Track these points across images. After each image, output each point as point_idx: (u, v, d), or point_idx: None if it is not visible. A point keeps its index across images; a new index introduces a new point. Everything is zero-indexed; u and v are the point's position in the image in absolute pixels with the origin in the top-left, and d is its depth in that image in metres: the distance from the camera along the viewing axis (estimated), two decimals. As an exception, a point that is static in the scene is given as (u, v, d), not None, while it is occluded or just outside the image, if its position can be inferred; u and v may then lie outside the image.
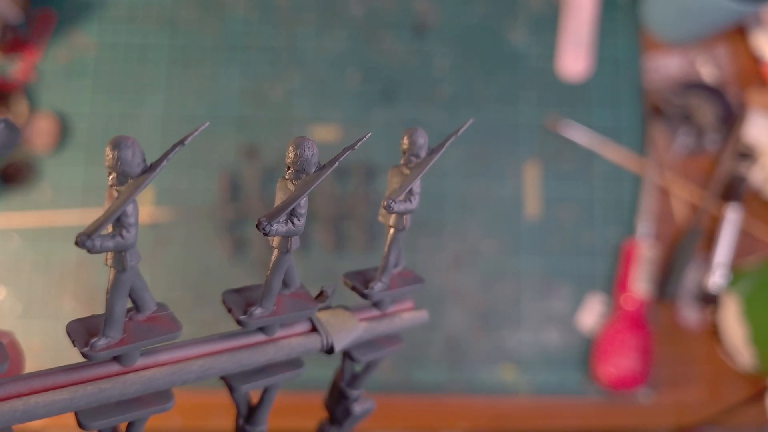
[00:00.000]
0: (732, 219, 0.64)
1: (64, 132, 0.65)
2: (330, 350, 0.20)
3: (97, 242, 0.15)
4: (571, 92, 0.67)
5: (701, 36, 0.68)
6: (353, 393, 0.23)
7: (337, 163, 0.18)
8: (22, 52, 0.66)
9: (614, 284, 0.64)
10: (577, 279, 0.64)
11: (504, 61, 0.68)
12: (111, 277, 0.16)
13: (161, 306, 0.18)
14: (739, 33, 0.69)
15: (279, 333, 0.20)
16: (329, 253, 0.63)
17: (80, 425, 0.16)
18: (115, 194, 0.15)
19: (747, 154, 0.65)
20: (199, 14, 0.68)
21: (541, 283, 0.64)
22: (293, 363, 0.20)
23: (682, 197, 0.66)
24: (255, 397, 0.23)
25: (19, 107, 0.64)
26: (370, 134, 0.20)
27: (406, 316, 0.22)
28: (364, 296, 0.21)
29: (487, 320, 0.63)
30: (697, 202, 0.65)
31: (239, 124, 0.66)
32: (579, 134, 0.66)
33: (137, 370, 0.17)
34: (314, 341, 0.20)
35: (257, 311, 0.19)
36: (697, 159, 0.67)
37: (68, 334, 0.16)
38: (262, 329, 0.19)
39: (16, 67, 0.66)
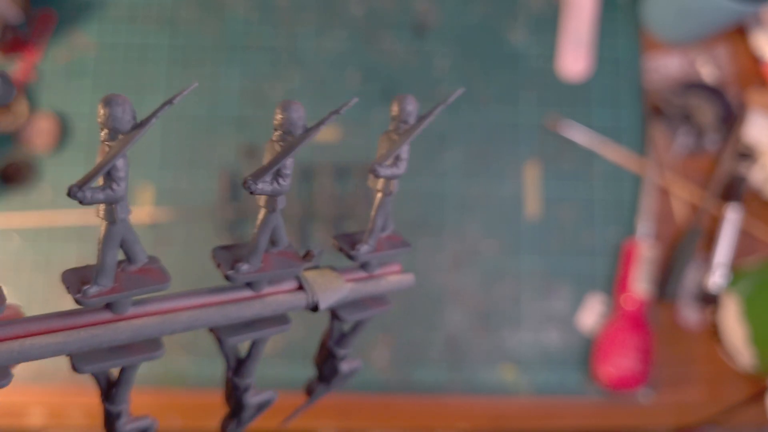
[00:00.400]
0: (732, 219, 0.64)
1: (64, 132, 0.65)
2: (315, 308, 0.21)
3: (88, 194, 0.15)
4: (571, 92, 0.67)
5: (701, 36, 0.68)
6: (341, 352, 0.24)
7: (323, 125, 0.18)
8: (22, 52, 0.66)
9: (614, 284, 0.64)
10: (577, 279, 0.64)
11: (504, 61, 0.68)
12: (102, 229, 0.17)
13: (153, 259, 0.19)
14: (739, 33, 0.69)
15: (266, 290, 0.20)
16: (329, 252, 0.63)
17: (74, 368, 0.17)
18: (107, 149, 0.16)
19: (747, 154, 0.65)
20: (199, 14, 0.68)
21: (541, 283, 0.64)
22: (279, 319, 0.21)
23: (682, 197, 0.66)
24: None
25: (19, 107, 0.64)
26: (356, 99, 0.20)
27: (393, 278, 0.23)
28: (350, 257, 0.22)
29: (487, 320, 0.63)
30: (697, 202, 0.65)
31: (239, 124, 0.66)
32: (579, 134, 0.66)
33: (128, 319, 0.17)
34: (300, 298, 0.20)
35: (244, 267, 0.19)
36: (697, 159, 0.67)
37: (63, 281, 0.17)
38: (249, 285, 0.20)
39: (16, 67, 0.66)
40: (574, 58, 0.68)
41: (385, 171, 0.20)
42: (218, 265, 0.20)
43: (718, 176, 0.65)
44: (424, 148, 0.65)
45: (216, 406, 0.60)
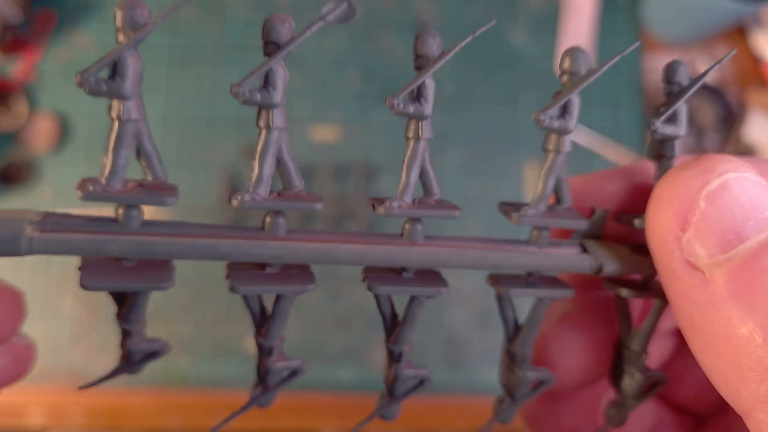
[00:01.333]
0: (732, 219, 0.64)
1: (64, 132, 0.65)
2: (598, 271, 0.20)
3: (401, 104, 0.18)
4: (571, 92, 0.67)
5: (701, 36, 0.68)
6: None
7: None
8: (22, 52, 0.66)
9: (614, 284, 0.64)
10: (577, 279, 0.64)
11: (504, 61, 0.68)
12: (409, 149, 0.19)
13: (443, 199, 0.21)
14: (739, 33, 0.69)
15: (547, 249, 0.21)
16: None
17: (368, 287, 0.19)
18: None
19: (747, 154, 0.65)
20: (199, 14, 0.68)
21: (541, 283, 0.64)
22: (560, 283, 0.21)
23: (682, 197, 0.66)
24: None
25: (19, 107, 0.64)
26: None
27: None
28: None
29: (487, 320, 0.63)
30: (697, 202, 0.65)
31: (239, 124, 0.66)
32: (579, 134, 0.66)
33: (421, 245, 0.20)
34: (584, 259, 0.20)
35: (530, 211, 0.20)
36: (697, 159, 0.67)
37: (369, 201, 0.19)
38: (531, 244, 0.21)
39: (16, 67, 0.66)
40: (574, 58, 0.68)
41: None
42: (504, 212, 0.21)
43: (718, 176, 0.65)
44: (424, 148, 0.65)
45: (216, 406, 0.60)
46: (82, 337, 0.61)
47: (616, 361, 0.23)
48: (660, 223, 0.17)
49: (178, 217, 0.63)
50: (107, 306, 0.62)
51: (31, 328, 0.65)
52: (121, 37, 0.17)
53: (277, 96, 0.18)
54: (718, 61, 0.19)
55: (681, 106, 0.19)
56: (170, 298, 0.61)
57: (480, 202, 0.65)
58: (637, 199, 0.21)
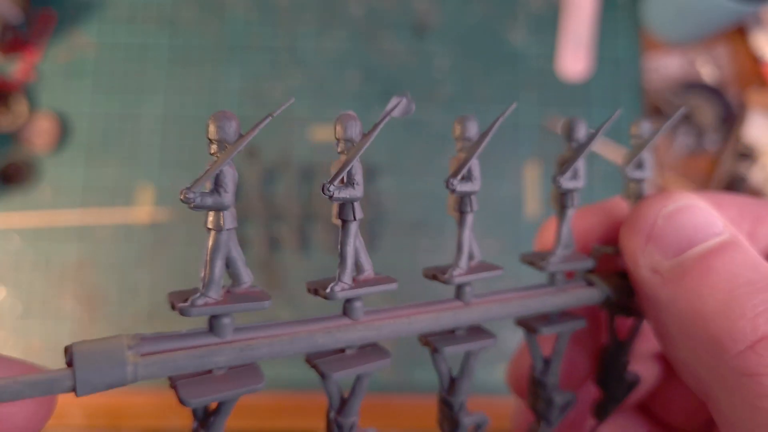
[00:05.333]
0: (732, 219, 0.64)
1: (64, 132, 0.65)
2: (605, 301, 0.22)
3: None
4: (571, 92, 0.67)
5: (701, 36, 0.68)
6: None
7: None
8: (22, 52, 0.66)
9: (614, 284, 0.64)
10: (577, 279, 0.64)
11: (504, 61, 0.68)
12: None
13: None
14: (739, 33, 0.69)
15: (566, 288, 0.22)
16: (329, 253, 0.63)
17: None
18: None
19: (747, 154, 0.65)
20: (199, 14, 0.68)
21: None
22: (575, 318, 0.23)
23: (682, 197, 0.66)
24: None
25: (19, 107, 0.65)
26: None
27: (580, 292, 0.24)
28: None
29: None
30: (697, 202, 0.65)
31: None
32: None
33: (472, 305, 0.22)
34: (593, 293, 0.22)
35: (555, 258, 0.22)
36: (697, 159, 0.67)
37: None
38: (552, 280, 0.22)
39: (16, 67, 0.66)
40: (574, 58, 0.68)
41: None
42: (531, 263, 0.24)
43: (718, 176, 0.65)
44: (425, 149, 0.65)
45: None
46: (82, 337, 0.61)
47: (600, 367, 0.25)
48: (629, 242, 0.20)
49: (179, 217, 0.63)
50: (107, 306, 0.62)
51: (31, 327, 0.65)
52: (213, 149, 0.17)
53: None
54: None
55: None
56: (170, 298, 0.61)
57: (480, 201, 0.65)
58: (613, 233, 0.24)
